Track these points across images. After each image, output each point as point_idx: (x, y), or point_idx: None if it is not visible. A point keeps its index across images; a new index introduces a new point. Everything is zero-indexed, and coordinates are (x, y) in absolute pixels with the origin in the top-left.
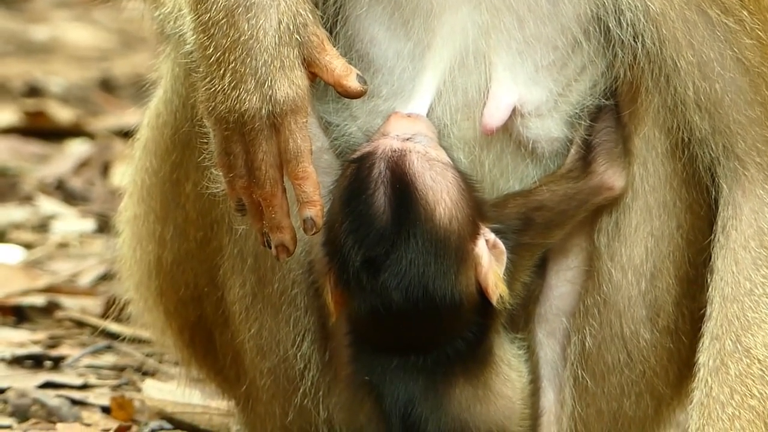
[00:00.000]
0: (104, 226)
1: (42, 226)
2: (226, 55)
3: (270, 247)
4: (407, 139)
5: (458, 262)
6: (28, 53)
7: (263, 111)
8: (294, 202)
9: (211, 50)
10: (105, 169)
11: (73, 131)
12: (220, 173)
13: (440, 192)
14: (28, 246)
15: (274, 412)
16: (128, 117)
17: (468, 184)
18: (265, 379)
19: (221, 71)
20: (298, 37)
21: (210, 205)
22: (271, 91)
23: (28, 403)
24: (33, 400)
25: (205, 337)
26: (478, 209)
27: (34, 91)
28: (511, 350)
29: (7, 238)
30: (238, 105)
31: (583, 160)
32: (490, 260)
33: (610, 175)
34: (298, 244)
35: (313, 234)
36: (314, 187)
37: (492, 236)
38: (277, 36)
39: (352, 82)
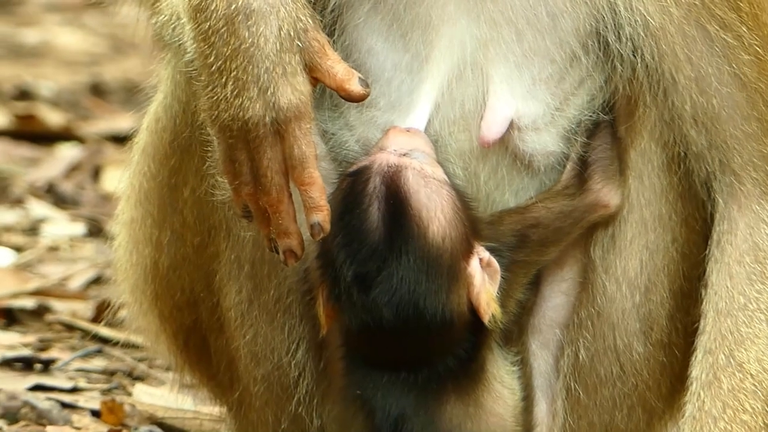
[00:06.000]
0: (95, 231)
1: (32, 229)
2: (228, 63)
3: (278, 253)
4: (404, 155)
5: (450, 281)
6: (19, 57)
7: (267, 118)
8: (300, 206)
9: (212, 59)
10: (96, 174)
11: (64, 135)
12: (226, 180)
13: (434, 210)
14: (18, 249)
15: (267, 419)
16: (119, 122)
17: (463, 202)
18: (259, 386)
19: (223, 80)
20: (299, 43)
21: (208, 210)
22: (274, 98)
23: (18, 406)
24: (23, 403)
25: (200, 343)
26: (473, 227)
27: (24, 94)
28: (504, 367)
29: None
30: (241, 113)
31: (579, 178)
32: (483, 279)
33: (605, 193)
34: None
35: (321, 239)
36: (320, 192)
37: (486, 255)
38: (278, 42)
39: (355, 86)
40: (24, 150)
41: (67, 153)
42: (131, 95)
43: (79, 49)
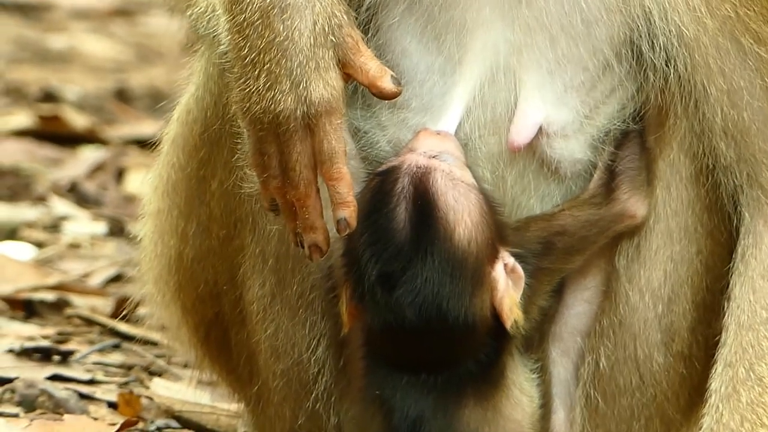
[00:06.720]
0: (116, 230)
1: (54, 226)
2: (261, 56)
3: (303, 248)
4: (433, 157)
5: (474, 285)
6: (45, 61)
7: (298, 112)
8: (327, 202)
9: (245, 51)
10: (119, 175)
11: (88, 137)
12: (254, 173)
13: (461, 212)
14: (39, 245)
15: (285, 414)
16: (144, 127)
17: (491, 207)
18: (278, 381)
19: (256, 72)
20: (333, 39)
21: (235, 203)
22: (306, 92)
23: (35, 394)
24: (41, 391)
25: (221, 335)
26: (499, 233)
27: (49, 96)
28: (524, 373)
29: (18, 235)
30: (273, 106)
31: (606, 187)
32: (506, 285)
33: (632, 203)
34: None
35: (346, 235)
36: (348, 187)
37: (511, 260)
38: (312, 37)
39: (387, 84)
40: (47, 150)
41: (90, 154)
42: (156, 102)
43: (105, 56)
